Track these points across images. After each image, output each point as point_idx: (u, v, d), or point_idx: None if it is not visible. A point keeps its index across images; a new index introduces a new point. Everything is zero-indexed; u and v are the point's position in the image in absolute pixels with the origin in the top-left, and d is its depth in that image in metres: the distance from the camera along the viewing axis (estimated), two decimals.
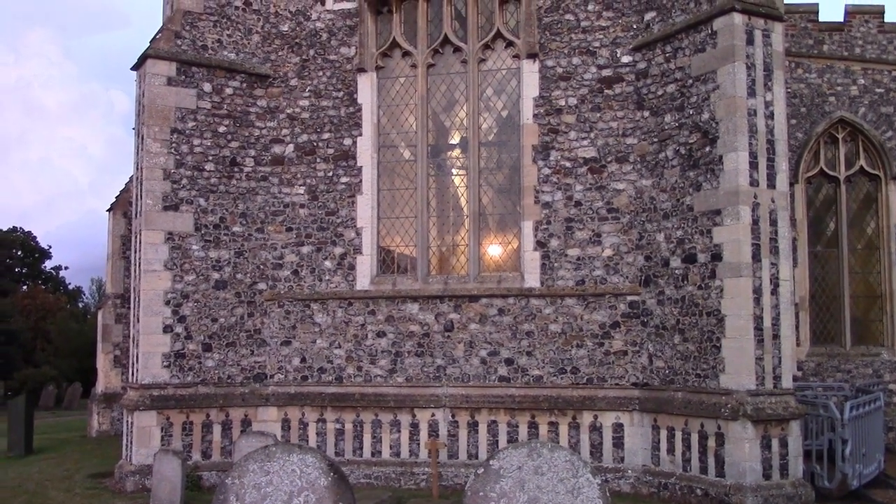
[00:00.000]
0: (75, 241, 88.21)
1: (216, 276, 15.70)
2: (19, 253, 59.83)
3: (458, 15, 16.14)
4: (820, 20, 20.62)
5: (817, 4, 20.56)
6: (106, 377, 24.27)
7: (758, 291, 12.98)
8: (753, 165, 13.14)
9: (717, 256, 13.27)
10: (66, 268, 65.41)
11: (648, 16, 14.80)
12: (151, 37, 15.91)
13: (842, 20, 20.59)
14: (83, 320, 53.29)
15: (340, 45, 16.37)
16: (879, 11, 20.56)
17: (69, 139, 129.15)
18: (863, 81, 20.32)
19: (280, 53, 16.57)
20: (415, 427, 15.27)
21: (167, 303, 15.22)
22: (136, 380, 15.16)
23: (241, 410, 15.77)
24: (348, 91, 16.26)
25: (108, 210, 25.06)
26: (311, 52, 16.48)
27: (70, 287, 64.28)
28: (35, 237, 61.00)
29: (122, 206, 24.59)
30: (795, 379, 14.91)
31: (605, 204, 14.88)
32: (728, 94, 13.23)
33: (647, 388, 14.35)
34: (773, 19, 13.61)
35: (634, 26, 14.97)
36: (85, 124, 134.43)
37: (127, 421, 15.51)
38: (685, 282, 13.77)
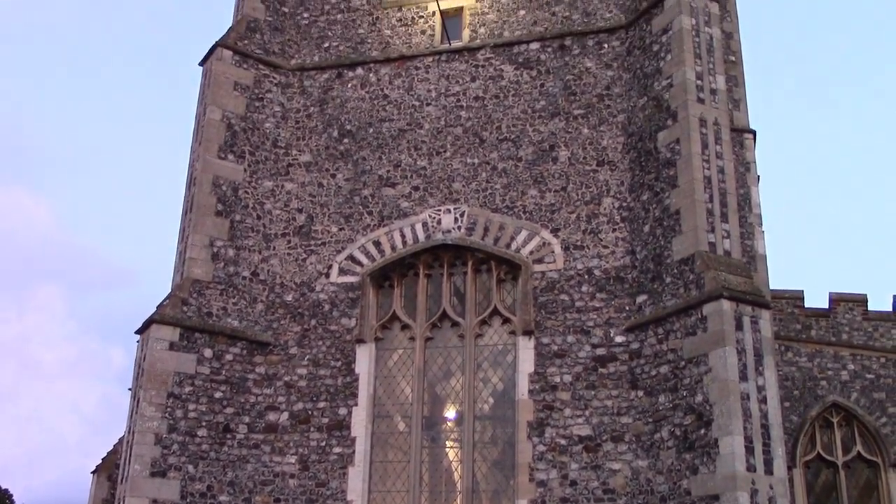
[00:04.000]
0: (54, 502, 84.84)
1: None
2: None
3: (456, 291, 16.75)
4: (806, 306, 21.35)
5: (802, 291, 21.41)
6: None
7: None
8: (749, 450, 13.06)
9: None
10: None
11: (640, 298, 15.37)
12: (157, 298, 16.41)
13: (827, 307, 21.32)
14: None
15: (342, 315, 16.83)
16: (863, 300, 21.35)
17: (62, 395, 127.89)
18: (852, 367, 20.67)
19: (282, 322, 17.00)
20: None
21: None
22: None
23: None
24: (346, 361, 16.49)
25: (93, 472, 24.44)
26: (313, 321, 16.91)
27: None
28: (11, 494, 58.77)
29: (107, 469, 24.00)
30: None
31: (601, 484, 14.60)
32: (720, 377, 13.43)
33: None
34: (760, 306, 14.13)
35: (627, 308, 15.48)
36: (80, 380, 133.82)
37: None
38: None
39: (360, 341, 16.49)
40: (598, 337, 15.46)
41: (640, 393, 14.78)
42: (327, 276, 17.19)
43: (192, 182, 17.40)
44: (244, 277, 16.98)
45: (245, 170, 17.60)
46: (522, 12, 18.16)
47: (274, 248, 17.48)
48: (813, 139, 60.43)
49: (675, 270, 14.75)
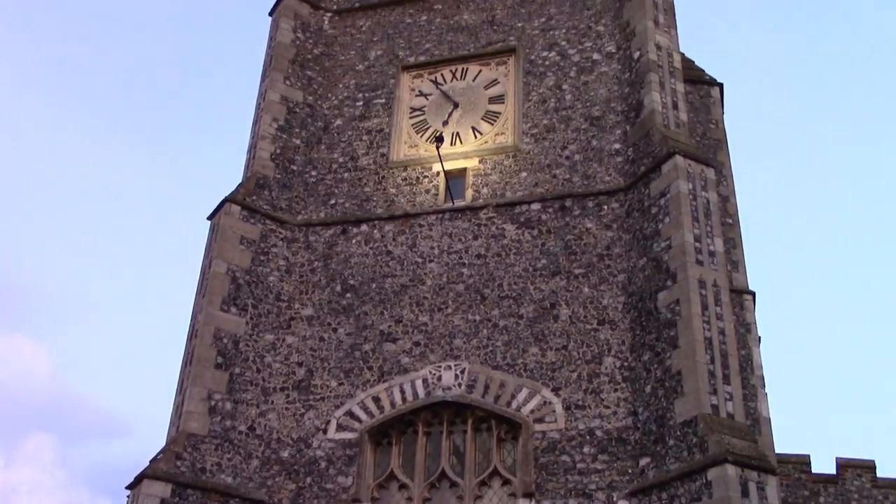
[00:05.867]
0: None
1: None
2: None
3: (456, 450, 16.44)
4: (813, 471, 20.87)
5: (808, 455, 20.99)
6: None
7: None
8: None
9: None
10: None
11: (643, 461, 15.06)
12: (151, 449, 16.09)
13: (835, 472, 20.84)
14: None
15: (338, 473, 16.45)
16: (871, 466, 20.90)
17: None
18: None
19: (277, 479, 16.60)
20: None
21: None
22: None
23: None
24: None
25: None
26: (308, 479, 16.52)
27: None
28: None
29: None
30: None
31: None
32: None
33: None
34: (766, 472, 13.82)
35: (630, 471, 15.15)
36: None
37: None
38: None
39: (357, 501, 16.05)
40: (600, 501, 15.04)
41: None
42: (325, 431, 16.93)
43: (193, 334, 17.43)
44: (240, 432, 16.72)
45: (247, 322, 17.67)
46: (524, 174, 18.70)
47: (272, 402, 17.30)
48: (814, 299, 60.88)
49: (678, 433, 14.53)
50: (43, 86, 62.68)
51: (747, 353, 17.90)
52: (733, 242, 19.35)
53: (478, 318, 17.27)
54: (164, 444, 16.46)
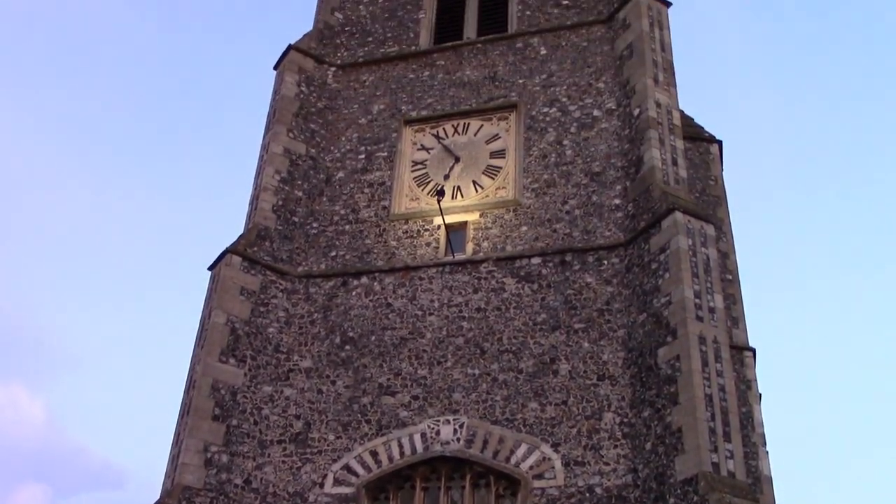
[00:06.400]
0: None
1: None
2: None
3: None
4: None
5: None
6: None
7: None
8: None
9: None
10: None
11: None
12: (145, 501, 15.90)
13: None
14: None
15: None
16: None
17: None
18: None
19: None
20: None
21: None
22: None
23: None
24: None
25: None
26: None
27: None
28: None
29: None
30: None
31: None
32: None
33: None
34: None
35: None
36: None
37: None
38: None
39: None
40: None
41: None
42: (321, 486, 16.73)
43: (191, 385, 17.34)
44: (236, 485, 16.53)
45: (245, 374, 17.59)
46: (524, 228, 18.79)
47: (269, 455, 17.14)
48: (815, 356, 60.62)
49: (679, 491, 14.36)
50: (41, 134, 63.10)
51: (748, 411, 17.80)
52: (733, 299, 19.38)
53: (477, 371, 17.20)
54: (158, 496, 16.29)
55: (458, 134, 20.77)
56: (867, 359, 58.53)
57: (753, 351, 18.91)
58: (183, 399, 17.49)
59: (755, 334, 19.60)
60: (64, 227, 61.64)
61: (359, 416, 17.32)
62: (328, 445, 17.12)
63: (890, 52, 63.79)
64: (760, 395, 18.59)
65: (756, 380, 18.56)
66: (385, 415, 17.18)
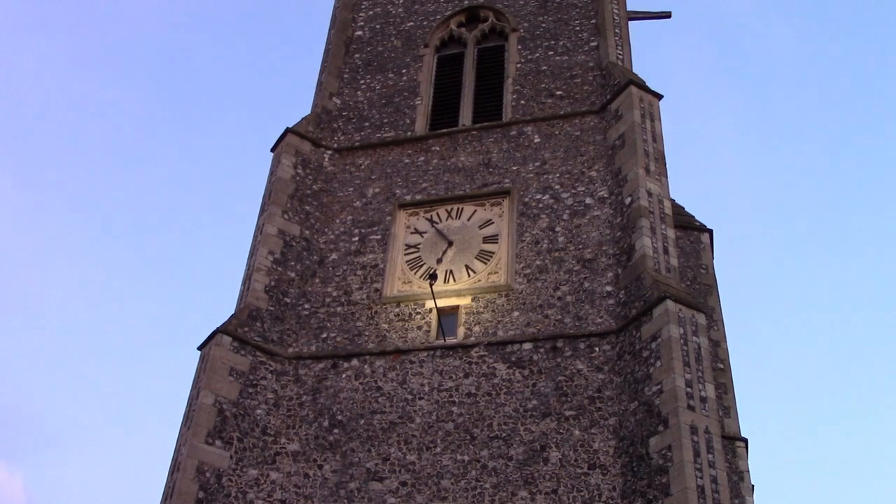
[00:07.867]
0: None
1: None
2: None
3: None
4: None
5: None
6: None
7: None
8: None
9: None
10: None
11: None
12: None
13: None
14: None
15: None
16: None
17: None
18: None
19: None
20: None
21: None
22: None
23: None
24: None
25: None
26: None
27: None
28: None
29: None
30: None
31: None
32: None
33: None
34: None
35: None
36: None
37: None
38: None
39: None
40: None
41: None
42: None
43: (175, 467, 17.04)
44: None
45: (231, 457, 17.31)
46: (516, 313, 18.79)
47: None
48: (808, 446, 60.01)
49: None
50: (28, 209, 63.30)
51: (741, 503, 17.55)
52: (724, 388, 19.33)
53: (466, 458, 16.97)
54: None
55: (452, 218, 20.96)
56: (864, 449, 57.96)
57: (746, 441, 18.76)
58: (167, 481, 17.16)
59: (747, 424, 19.48)
60: (49, 302, 61.28)
61: (345, 501, 17.00)
62: None
63: (883, 134, 65.07)
64: (753, 486, 18.38)
65: (749, 471, 18.37)
66: (372, 501, 16.86)
